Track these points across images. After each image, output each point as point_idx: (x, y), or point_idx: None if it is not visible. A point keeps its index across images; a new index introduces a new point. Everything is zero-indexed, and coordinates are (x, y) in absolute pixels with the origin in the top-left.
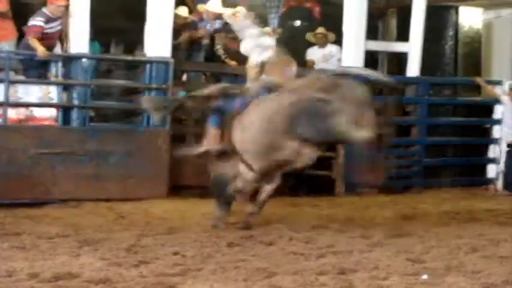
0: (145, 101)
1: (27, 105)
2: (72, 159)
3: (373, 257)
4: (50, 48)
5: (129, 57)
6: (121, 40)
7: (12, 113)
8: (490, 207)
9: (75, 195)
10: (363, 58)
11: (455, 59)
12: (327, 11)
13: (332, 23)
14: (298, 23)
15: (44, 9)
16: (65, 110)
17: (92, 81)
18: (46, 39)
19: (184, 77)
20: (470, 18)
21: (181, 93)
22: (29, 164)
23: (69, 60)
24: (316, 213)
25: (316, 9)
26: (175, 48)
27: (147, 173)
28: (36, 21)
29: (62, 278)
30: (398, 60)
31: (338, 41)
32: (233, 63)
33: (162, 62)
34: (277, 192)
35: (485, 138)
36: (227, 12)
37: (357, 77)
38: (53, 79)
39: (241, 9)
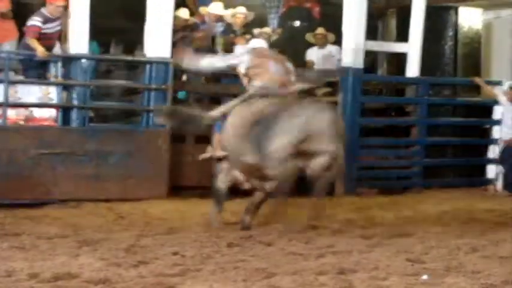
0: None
1: (27, 105)
2: (72, 159)
3: (372, 257)
4: (49, 48)
5: (129, 58)
6: (121, 40)
7: (12, 114)
8: (490, 208)
9: (75, 196)
10: (362, 58)
11: (454, 60)
12: (326, 11)
13: (332, 24)
14: (297, 23)
15: (43, 10)
16: (65, 110)
17: (92, 81)
18: (45, 39)
19: (184, 78)
20: (469, 19)
21: (181, 94)
22: (29, 165)
23: (68, 60)
24: (315, 213)
25: (316, 10)
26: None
27: (147, 173)
28: (34, 21)
29: (62, 278)
30: (398, 61)
31: (338, 42)
32: None
33: (161, 63)
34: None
35: (485, 139)
36: (228, 13)
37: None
38: (52, 79)
39: (241, 10)
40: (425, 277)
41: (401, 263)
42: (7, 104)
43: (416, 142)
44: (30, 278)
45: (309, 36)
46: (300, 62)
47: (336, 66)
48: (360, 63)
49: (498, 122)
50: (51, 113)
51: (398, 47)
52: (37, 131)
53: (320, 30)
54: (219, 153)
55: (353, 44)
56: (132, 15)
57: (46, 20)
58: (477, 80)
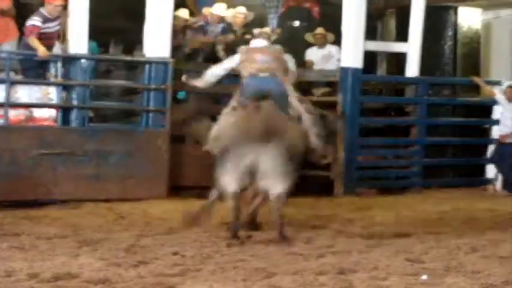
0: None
1: (27, 105)
2: (73, 159)
3: (372, 257)
4: (48, 48)
5: (128, 58)
6: (120, 40)
7: (12, 114)
8: (490, 207)
9: (75, 196)
10: (361, 58)
11: (454, 59)
12: (326, 11)
13: (331, 24)
14: (297, 23)
15: (42, 10)
16: (64, 110)
17: (91, 81)
18: (44, 39)
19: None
20: (469, 19)
21: (181, 94)
22: (30, 165)
23: (68, 60)
24: (315, 213)
25: (315, 10)
26: (174, 48)
27: (147, 173)
28: (33, 21)
29: (61, 278)
30: (398, 61)
31: (337, 42)
32: None
33: (161, 63)
34: None
35: (485, 139)
36: (229, 14)
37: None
38: (52, 79)
39: (241, 9)
40: (425, 277)
41: (401, 263)
42: (8, 104)
43: (416, 142)
44: (30, 278)
45: (308, 36)
46: (300, 62)
47: (335, 66)
48: (359, 63)
49: (497, 122)
50: (51, 113)
51: (397, 47)
52: (38, 131)
53: (319, 30)
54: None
55: (352, 44)
56: (132, 15)
57: (45, 20)
58: (476, 79)
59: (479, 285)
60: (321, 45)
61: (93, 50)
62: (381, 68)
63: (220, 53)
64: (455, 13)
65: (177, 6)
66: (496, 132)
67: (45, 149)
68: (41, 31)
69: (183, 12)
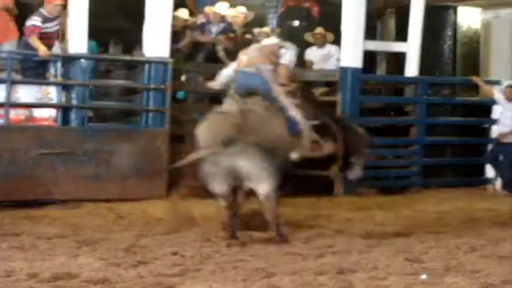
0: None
1: (27, 105)
2: (73, 159)
3: (372, 257)
4: (48, 47)
5: (128, 58)
6: (120, 40)
7: (12, 113)
8: (489, 207)
9: (75, 196)
10: (361, 58)
11: (453, 59)
12: (325, 11)
13: (331, 23)
14: (296, 23)
15: (42, 9)
16: (64, 110)
17: (91, 81)
18: (44, 38)
19: (183, 78)
20: (468, 18)
21: (180, 94)
22: (30, 165)
23: (67, 60)
24: (315, 213)
25: (315, 9)
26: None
27: (147, 173)
28: (33, 21)
29: (61, 278)
30: (397, 60)
31: (337, 41)
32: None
33: (160, 62)
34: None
35: (484, 138)
36: (231, 14)
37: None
38: (52, 79)
39: (241, 9)
40: (424, 277)
41: (401, 263)
42: (9, 104)
43: (415, 142)
44: (30, 278)
45: (308, 36)
46: (299, 62)
47: (334, 66)
48: (358, 63)
49: (497, 122)
50: (51, 112)
51: (397, 47)
52: (38, 131)
53: (319, 29)
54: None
55: (352, 44)
56: (131, 15)
57: (45, 20)
58: (475, 79)
59: (479, 284)
60: (321, 45)
61: (93, 49)
62: (381, 68)
63: (220, 53)
64: (455, 13)
65: (177, 6)
66: (495, 131)
67: (45, 149)
68: (41, 31)
69: (183, 13)
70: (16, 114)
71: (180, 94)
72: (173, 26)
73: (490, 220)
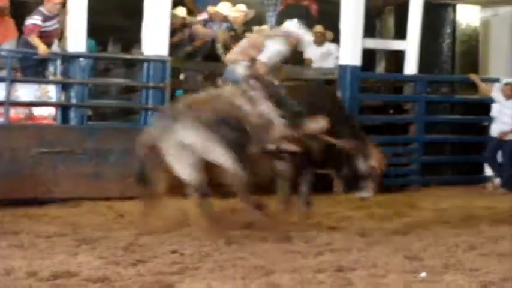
0: None
1: (27, 104)
2: (72, 158)
3: (371, 255)
4: (47, 46)
5: (127, 56)
6: (118, 38)
7: (12, 112)
8: (488, 205)
9: (74, 194)
10: (360, 56)
11: (452, 57)
12: (324, 9)
13: (329, 21)
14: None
15: (41, 8)
16: (64, 108)
17: (90, 79)
18: (44, 37)
19: (182, 76)
20: (467, 16)
21: (179, 92)
22: (30, 163)
23: (66, 58)
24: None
25: (314, 8)
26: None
27: None
28: (34, 20)
29: (60, 277)
30: (396, 58)
31: (336, 39)
32: None
33: (159, 61)
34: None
35: (483, 136)
36: (233, 14)
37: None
38: (51, 78)
39: (241, 7)
40: (423, 274)
41: (400, 261)
42: (9, 103)
43: (415, 140)
44: (29, 276)
45: None
46: (298, 60)
47: (334, 64)
48: (357, 61)
49: (494, 120)
50: (50, 111)
51: (396, 45)
52: (37, 130)
53: (318, 28)
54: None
55: (351, 42)
56: (130, 13)
57: (45, 18)
58: (473, 77)
59: (478, 282)
60: (320, 43)
61: (92, 48)
62: (380, 66)
63: (220, 50)
64: (454, 11)
65: (176, 4)
66: (495, 130)
67: (45, 148)
68: (41, 30)
69: (181, 11)
70: (16, 113)
71: (179, 92)
72: (171, 24)
73: (489, 218)
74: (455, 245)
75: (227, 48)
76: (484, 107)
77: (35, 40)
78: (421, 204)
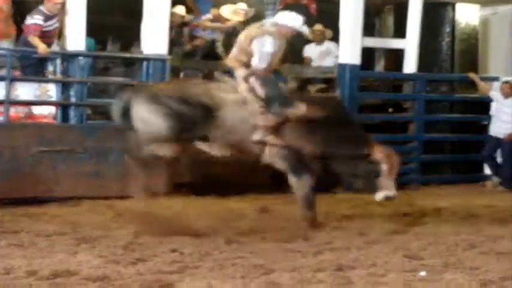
0: None
1: (27, 103)
2: (73, 157)
3: (371, 254)
4: (47, 46)
5: (126, 55)
6: (118, 37)
7: (11, 111)
8: (488, 204)
9: (75, 193)
10: (359, 55)
11: (452, 56)
12: (323, 7)
13: (329, 20)
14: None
15: (41, 7)
16: (63, 107)
17: (89, 78)
18: (44, 37)
19: (182, 75)
20: (467, 15)
21: None
22: (30, 162)
23: (66, 57)
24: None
25: (313, 6)
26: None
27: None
28: (35, 19)
29: (60, 276)
30: (395, 57)
31: (335, 38)
32: None
33: (159, 60)
34: (274, 189)
35: (483, 135)
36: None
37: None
38: (51, 77)
39: (242, 6)
40: (423, 273)
41: (400, 260)
42: (9, 102)
43: (414, 138)
44: (29, 275)
45: None
46: (298, 59)
47: (333, 62)
48: (357, 60)
49: (492, 118)
50: (50, 110)
51: (395, 44)
52: (38, 129)
53: (317, 26)
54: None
55: (350, 41)
56: (129, 12)
57: (46, 18)
58: (471, 75)
59: (478, 281)
60: (319, 41)
61: (91, 47)
62: (379, 65)
63: (220, 49)
64: (453, 9)
65: (175, 3)
66: (494, 129)
67: (45, 147)
68: (42, 29)
69: (180, 9)
70: (16, 112)
71: None
72: (170, 22)
73: (489, 217)
74: (455, 244)
75: (227, 47)
76: (483, 105)
77: (34, 40)
78: (420, 203)
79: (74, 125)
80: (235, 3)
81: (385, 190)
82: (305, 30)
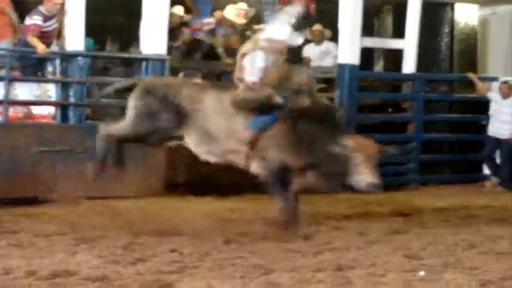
0: None
1: (26, 103)
2: (72, 157)
3: (370, 254)
4: (47, 46)
5: (125, 55)
6: (116, 37)
7: (11, 111)
8: (487, 204)
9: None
10: (358, 55)
11: (451, 56)
12: (322, 8)
13: (328, 20)
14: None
15: (41, 8)
16: (63, 107)
17: (88, 78)
18: (44, 37)
19: (181, 75)
20: (466, 15)
21: None
22: (30, 162)
23: (65, 58)
24: (313, 210)
25: (312, 6)
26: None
27: (144, 170)
28: (34, 20)
29: (60, 276)
30: (394, 57)
31: (334, 38)
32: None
33: (157, 60)
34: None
35: (482, 135)
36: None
37: None
38: (50, 77)
39: (242, 6)
40: (422, 273)
41: (399, 260)
42: (8, 102)
43: (413, 138)
44: (28, 275)
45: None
46: (297, 59)
47: (332, 62)
48: (356, 60)
49: (490, 118)
50: (50, 110)
51: (394, 44)
52: (37, 129)
53: (317, 26)
54: None
55: (349, 41)
56: (128, 12)
57: (45, 18)
58: (470, 76)
59: (477, 281)
60: (319, 41)
61: (90, 47)
62: (378, 65)
63: (220, 49)
64: (452, 9)
65: (175, 3)
66: (492, 129)
67: (45, 147)
68: (42, 30)
69: (178, 9)
70: (15, 112)
71: None
72: (169, 23)
73: (488, 217)
74: (454, 244)
75: (227, 48)
76: (482, 105)
77: (33, 40)
78: (419, 203)
79: (74, 125)
80: (235, 3)
81: (364, 177)
82: (297, 41)
